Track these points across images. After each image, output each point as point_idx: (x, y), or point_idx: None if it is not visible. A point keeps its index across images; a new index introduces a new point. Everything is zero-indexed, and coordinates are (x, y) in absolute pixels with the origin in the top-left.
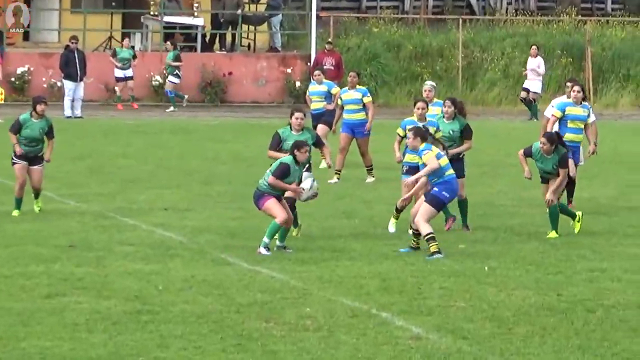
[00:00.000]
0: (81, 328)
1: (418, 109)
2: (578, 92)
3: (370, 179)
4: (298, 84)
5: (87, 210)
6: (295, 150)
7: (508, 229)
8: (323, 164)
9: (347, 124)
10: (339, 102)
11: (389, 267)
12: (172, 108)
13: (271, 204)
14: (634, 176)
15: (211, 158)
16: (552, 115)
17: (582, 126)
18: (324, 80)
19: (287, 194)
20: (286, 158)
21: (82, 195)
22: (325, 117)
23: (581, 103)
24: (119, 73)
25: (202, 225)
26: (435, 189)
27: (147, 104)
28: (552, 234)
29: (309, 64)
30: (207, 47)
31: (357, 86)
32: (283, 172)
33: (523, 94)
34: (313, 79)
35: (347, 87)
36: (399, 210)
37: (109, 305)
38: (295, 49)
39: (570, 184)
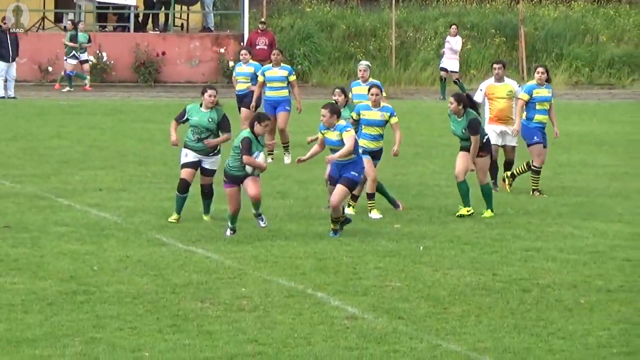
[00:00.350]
0: (17, 309)
1: (372, 94)
2: (542, 73)
3: (287, 159)
4: (231, 63)
5: (22, 191)
6: (256, 123)
7: (443, 208)
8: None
9: (270, 101)
10: (261, 79)
11: (324, 247)
12: (67, 88)
13: (228, 194)
14: (567, 156)
15: (145, 139)
16: (520, 98)
17: (548, 107)
18: (251, 61)
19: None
20: (245, 132)
21: (17, 176)
22: (248, 99)
23: (544, 84)
24: (74, 56)
25: (137, 206)
26: (353, 172)
27: (79, 84)
28: (487, 213)
29: (242, 43)
30: (140, 27)
31: (282, 64)
32: (248, 146)
33: (443, 74)
34: (240, 59)
35: (270, 65)
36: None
37: (44, 286)
38: (229, 28)
39: (493, 168)
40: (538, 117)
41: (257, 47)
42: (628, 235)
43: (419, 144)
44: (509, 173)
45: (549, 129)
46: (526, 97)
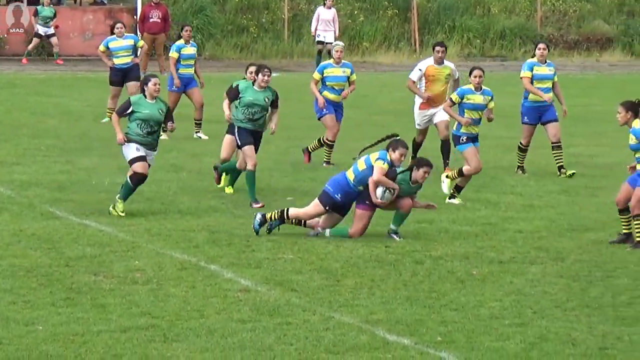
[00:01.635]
0: None
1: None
2: (544, 49)
3: (203, 135)
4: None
5: None
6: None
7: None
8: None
9: (183, 78)
10: (175, 55)
11: (217, 220)
12: None
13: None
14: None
15: (39, 112)
16: (524, 76)
17: (550, 85)
18: (126, 33)
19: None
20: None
21: None
22: (134, 72)
23: (546, 62)
24: (40, 30)
25: (30, 179)
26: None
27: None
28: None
29: (135, 17)
30: (34, 0)
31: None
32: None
33: (319, 47)
34: (115, 33)
35: (183, 42)
36: (462, 174)
37: None
38: (122, 1)
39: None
40: (535, 96)
41: (151, 20)
42: (520, 207)
43: (312, 116)
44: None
45: (557, 105)
46: (529, 74)
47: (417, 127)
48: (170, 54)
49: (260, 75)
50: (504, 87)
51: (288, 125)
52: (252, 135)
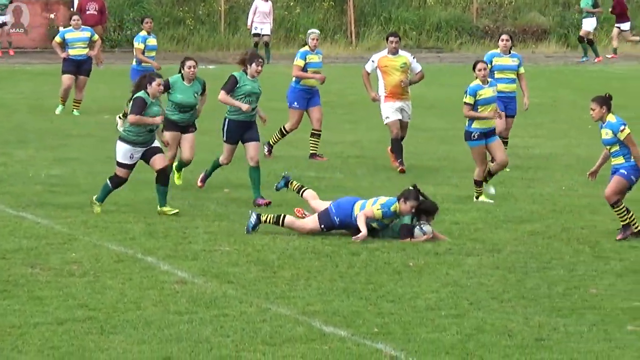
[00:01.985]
0: None
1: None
2: (506, 40)
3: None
4: (61, 29)
5: None
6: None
7: (272, 172)
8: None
9: (147, 69)
10: (141, 47)
11: (153, 211)
12: None
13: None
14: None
15: None
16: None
17: (514, 76)
18: (83, 25)
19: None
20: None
21: None
22: (87, 65)
23: (509, 52)
24: None
25: None
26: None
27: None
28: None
29: (72, 9)
30: None
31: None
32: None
33: (255, 39)
34: (71, 25)
35: (145, 34)
36: (480, 184)
37: None
38: None
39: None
40: (498, 86)
41: (87, 12)
42: (456, 198)
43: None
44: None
45: (519, 98)
46: (488, 65)
47: (385, 121)
48: (136, 46)
49: (254, 65)
50: (440, 79)
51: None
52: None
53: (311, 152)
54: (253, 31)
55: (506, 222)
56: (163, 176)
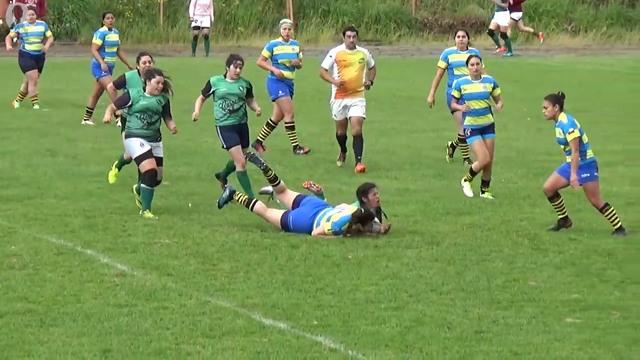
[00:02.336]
0: None
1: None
2: (463, 37)
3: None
4: (0, 22)
5: None
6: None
7: (211, 165)
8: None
9: (108, 66)
10: (99, 42)
11: (93, 204)
12: None
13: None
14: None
15: None
16: (438, 66)
17: None
18: (38, 20)
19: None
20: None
21: None
22: (42, 62)
23: (467, 49)
24: None
25: None
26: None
27: None
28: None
29: (11, 2)
30: None
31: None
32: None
33: (195, 32)
34: (26, 19)
35: (106, 29)
36: (474, 173)
37: None
38: None
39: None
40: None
41: (26, 4)
42: (395, 190)
43: (187, 101)
44: (449, 143)
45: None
46: (443, 64)
47: (333, 118)
48: (93, 41)
49: (232, 67)
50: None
51: None
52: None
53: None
54: (193, 24)
55: (445, 215)
56: (147, 177)
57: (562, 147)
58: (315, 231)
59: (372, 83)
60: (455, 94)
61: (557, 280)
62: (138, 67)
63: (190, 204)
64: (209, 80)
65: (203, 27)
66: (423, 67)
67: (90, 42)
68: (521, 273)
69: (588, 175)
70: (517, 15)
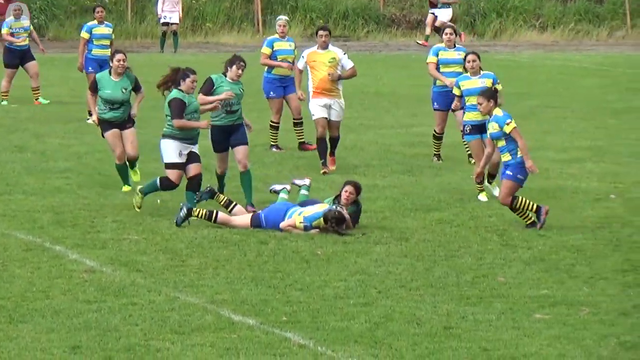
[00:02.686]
0: None
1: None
2: (450, 34)
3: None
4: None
5: None
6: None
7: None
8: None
9: (98, 59)
10: (86, 36)
11: (62, 200)
12: None
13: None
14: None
15: None
16: (429, 62)
17: (460, 70)
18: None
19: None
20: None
21: None
22: (29, 53)
23: (455, 46)
24: None
25: None
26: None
27: None
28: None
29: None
30: None
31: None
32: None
33: (164, 28)
34: (12, 15)
35: (96, 22)
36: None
37: None
38: None
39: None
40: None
41: None
42: (364, 187)
43: (155, 97)
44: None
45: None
46: (434, 59)
47: (312, 117)
48: (81, 34)
49: (234, 68)
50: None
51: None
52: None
53: (299, 141)
54: (162, 20)
55: (414, 211)
56: (194, 183)
57: (496, 142)
58: (284, 222)
59: (340, 77)
60: (456, 91)
61: (526, 276)
62: (111, 65)
63: (159, 201)
64: (211, 79)
65: (172, 23)
66: (391, 63)
67: (59, 38)
68: (490, 269)
69: (521, 177)
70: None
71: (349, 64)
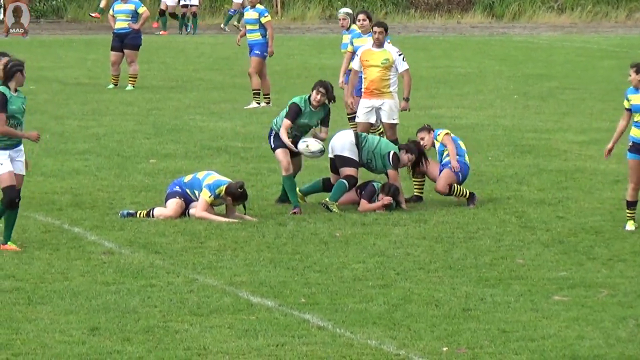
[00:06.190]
0: None
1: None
2: (363, 20)
3: (252, 104)
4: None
5: None
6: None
7: (198, 142)
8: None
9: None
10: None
11: (80, 182)
12: None
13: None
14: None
15: None
16: (347, 51)
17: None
18: None
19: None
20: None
21: None
22: (129, 39)
23: (369, 32)
24: None
25: None
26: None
27: None
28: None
29: None
30: None
31: (257, 5)
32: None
33: (184, 10)
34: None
35: (248, 6)
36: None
37: None
38: None
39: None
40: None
41: None
42: None
43: (174, 78)
44: None
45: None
46: (349, 48)
47: (356, 119)
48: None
49: (314, 93)
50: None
51: (149, 87)
52: None
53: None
54: (182, 2)
55: (432, 193)
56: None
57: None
58: (195, 213)
59: (407, 98)
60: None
61: (544, 258)
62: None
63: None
64: (298, 107)
65: (191, 5)
66: (409, 44)
67: (77, 20)
68: (509, 251)
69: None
70: None
71: (402, 66)
